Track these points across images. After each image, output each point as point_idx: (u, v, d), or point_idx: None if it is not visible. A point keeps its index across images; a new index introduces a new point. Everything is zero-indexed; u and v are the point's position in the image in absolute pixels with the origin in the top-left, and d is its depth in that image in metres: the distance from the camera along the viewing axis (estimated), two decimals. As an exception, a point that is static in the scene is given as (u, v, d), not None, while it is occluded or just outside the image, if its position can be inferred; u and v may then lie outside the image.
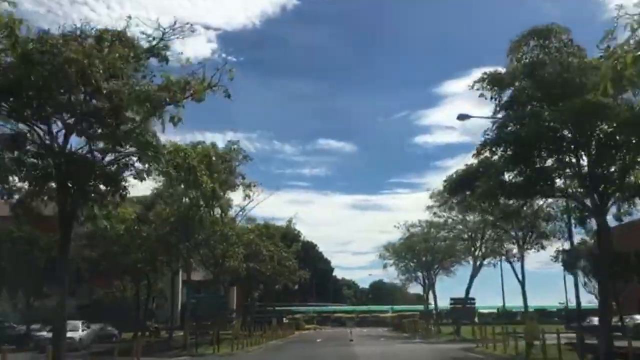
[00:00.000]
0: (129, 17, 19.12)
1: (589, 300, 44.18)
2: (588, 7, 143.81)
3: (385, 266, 65.50)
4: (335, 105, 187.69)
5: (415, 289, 66.01)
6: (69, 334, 24.29)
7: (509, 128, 23.35)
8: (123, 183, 19.29)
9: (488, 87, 24.96)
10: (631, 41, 10.14)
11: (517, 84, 23.88)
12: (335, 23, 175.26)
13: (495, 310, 77.11)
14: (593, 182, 22.79)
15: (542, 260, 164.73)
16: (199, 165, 20.12)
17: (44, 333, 32.56)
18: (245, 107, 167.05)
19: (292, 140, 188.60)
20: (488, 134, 23.98)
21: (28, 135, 18.81)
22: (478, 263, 50.73)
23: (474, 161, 25.85)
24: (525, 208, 29.15)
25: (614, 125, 21.21)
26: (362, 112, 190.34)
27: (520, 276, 46.10)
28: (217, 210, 40.41)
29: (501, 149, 23.26)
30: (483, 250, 50.24)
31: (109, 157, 20.03)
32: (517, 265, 47.63)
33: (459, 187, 27.11)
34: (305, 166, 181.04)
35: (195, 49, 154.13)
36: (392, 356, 30.14)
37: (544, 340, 24.86)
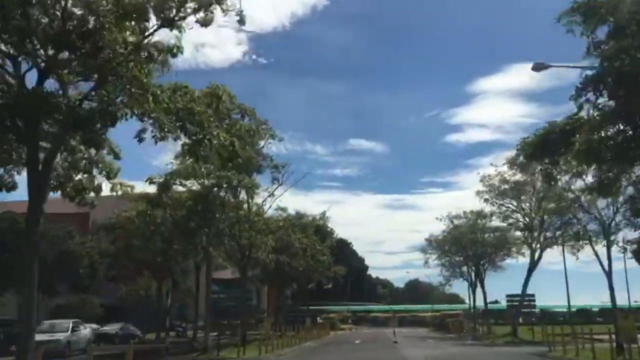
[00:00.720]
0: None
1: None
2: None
3: (426, 262, 59.64)
4: (365, 104, 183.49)
5: (458, 287, 59.74)
6: (53, 336, 19.56)
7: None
8: (102, 132, 14.05)
9: (578, 20, 19.06)
10: None
11: (623, 9, 17.89)
12: (365, 22, 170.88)
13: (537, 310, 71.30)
14: None
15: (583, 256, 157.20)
16: (204, 110, 14.78)
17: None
18: (276, 108, 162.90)
19: (323, 140, 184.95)
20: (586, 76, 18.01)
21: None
22: (537, 255, 44.50)
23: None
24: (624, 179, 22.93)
25: None
26: (393, 111, 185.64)
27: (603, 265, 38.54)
28: (242, 196, 35.55)
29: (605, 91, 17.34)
30: (542, 240, 44.01)
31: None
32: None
33: (545, 149, 20.96)
34: (337, 166, 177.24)
35: (226, 51, 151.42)
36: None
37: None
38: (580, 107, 17.77)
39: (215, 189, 29.52)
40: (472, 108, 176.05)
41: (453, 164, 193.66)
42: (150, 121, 15.12)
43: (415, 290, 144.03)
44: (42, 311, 48.11)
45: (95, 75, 14.17)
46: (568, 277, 39.05)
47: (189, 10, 13.96)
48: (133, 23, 13.19)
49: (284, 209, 46.89)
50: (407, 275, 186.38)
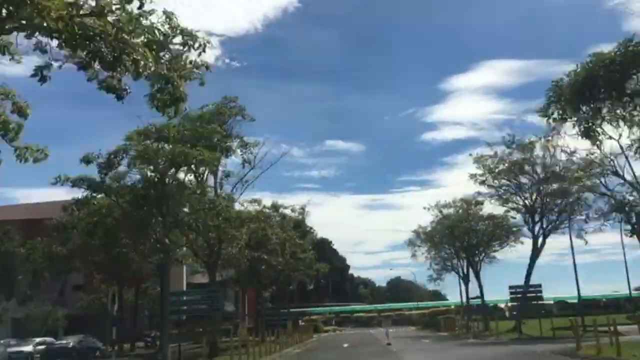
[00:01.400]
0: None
1: None
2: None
3: (414, 255, 54.62)
4: (341, 106, 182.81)
5: (449, 285, 54.74)
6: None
7: None
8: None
9: None
10: None
11: None
12: (337, 23, 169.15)
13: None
14: None
15: (558, 248, 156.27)
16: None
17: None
18: (251, 111, 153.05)
19: (299, 143, 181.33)
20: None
21: None
22: (539, 242, 39.65)
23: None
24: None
25: None
26: (369, 111, 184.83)
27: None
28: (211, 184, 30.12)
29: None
30: (545, 223, 39.23)
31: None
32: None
33: (585, 94, 15.79)
34: (314, 168, 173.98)
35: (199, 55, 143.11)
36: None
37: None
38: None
39: (172, 170, 24.10)
40: (446, 106, 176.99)
41: (430, 162, 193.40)
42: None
43: (398, 289, 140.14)
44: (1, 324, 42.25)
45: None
46: (568, 268, 34.46)
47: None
48: None
49: (258, 201, 41.51)
50: (387, 274, 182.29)
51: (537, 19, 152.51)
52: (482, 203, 46.79)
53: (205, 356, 24.52)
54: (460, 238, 46.63)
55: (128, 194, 23.45)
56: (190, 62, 12.08)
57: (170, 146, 23.84)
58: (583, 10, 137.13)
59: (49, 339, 38.83)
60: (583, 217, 36.32)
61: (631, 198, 28.68)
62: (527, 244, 44.68)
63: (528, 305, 37.31)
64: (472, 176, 40.86)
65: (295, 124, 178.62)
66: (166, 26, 9.80)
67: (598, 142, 21.21)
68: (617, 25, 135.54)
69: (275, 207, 41.71)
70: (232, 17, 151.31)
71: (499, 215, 45.56)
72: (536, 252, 39.63)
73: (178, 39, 10.18)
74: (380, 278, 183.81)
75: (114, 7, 9.83)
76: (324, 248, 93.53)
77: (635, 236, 30.31)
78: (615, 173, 28.75)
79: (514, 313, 42.61)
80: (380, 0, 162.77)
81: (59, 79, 10.89)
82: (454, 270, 52.86)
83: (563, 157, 37.26)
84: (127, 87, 11.05)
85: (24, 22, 9.55)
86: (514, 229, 44.52)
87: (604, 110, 17.08)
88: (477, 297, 51.66)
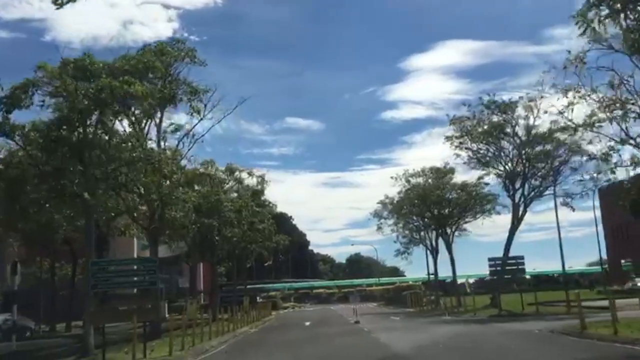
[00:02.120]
0: None
1: None
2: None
3: (380, 227, 50.40)
4: (301, 83, 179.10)
5: (416, 259, 51.12)
6: None
7: None
8: None
9: None
10: None
11: None
12: None
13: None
14: None
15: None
16: None
17: None
18: (210, 86, 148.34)
19: (259, 119, 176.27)
20: None
21: None
22: (520, 210, 35.74)
23: None
24: None
25: None
26: (329, 89, 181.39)
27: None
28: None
29: None
30: (526, 190, 35.31)
31: None
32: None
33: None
34: (274, 145, 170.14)
35: (155, 28, 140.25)
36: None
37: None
38: None
39: (98, 111, 18.90)
40: (406, 85, 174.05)
41: (389, 140, 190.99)
42: None
43: (357, 265, 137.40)
44: None
45: None
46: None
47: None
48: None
49: (210, 163, 36.37)
50: (345, 251, 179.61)
51: (496, 0, 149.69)
52: (453, 172, 42.91)
53: (140, 338, 19.68)
54: (431, 207, 42.56)
55: (41, 137, 18.18)
56: None
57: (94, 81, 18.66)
58: None
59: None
60: (570, 183, 32.54)
61: None
62: (497, 218, 41.46)
63: (510, 279, 33.53)
64: (449, 138, 36.65)
65: (254, 100, 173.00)
66: None
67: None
68: (573, 9, 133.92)
69: (230, 170, 36.65)
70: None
71: (471, 184, 41.71)
72: (516, 221, 35.76)
73: None
74: (339, 255, 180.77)
75: None
76: (283, 223, 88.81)
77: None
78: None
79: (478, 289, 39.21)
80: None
81: None
82: (422, 243, 49.02)
83: (546, 117, 33.50)
84: None
85: None
86: (488, 197, 40.72)
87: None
88: (432, 274, 48.40)
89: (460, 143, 35.59)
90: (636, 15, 12.72)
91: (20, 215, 22.69)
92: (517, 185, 35.34)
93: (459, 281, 66.15)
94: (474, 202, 41.08)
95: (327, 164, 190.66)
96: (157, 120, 26.89)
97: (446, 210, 42.41)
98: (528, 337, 18.84)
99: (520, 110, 34.72)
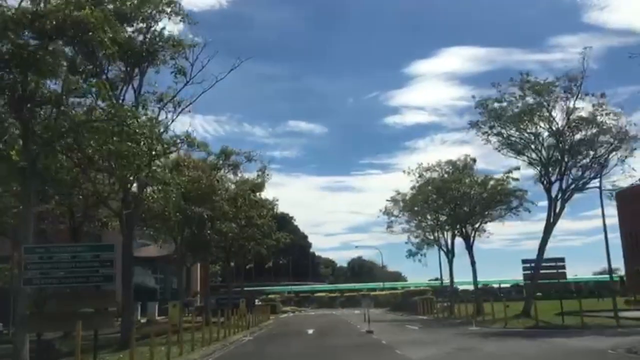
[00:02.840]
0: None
1: None
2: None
3: (390, 226, 45.32)
4: (305, 86, 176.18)
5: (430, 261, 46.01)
6: None
7: None
8: None
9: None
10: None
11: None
12: (304, 4, 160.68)
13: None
14: None
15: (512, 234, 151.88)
16: None
17: None
18: (214, 89, 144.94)
19: (262, 122, 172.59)
20: None
21: None
22: (559, 204, 30.54)
23: None
24: None
25: None
26: (332, 93, 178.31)
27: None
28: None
29: None
30: (564, 183, 30.14)
31: None
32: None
33: None
34: (276, 148, 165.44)
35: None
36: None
37: None
38: None
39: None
40: (409, 91, 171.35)
41: (391, 146, 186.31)
42: None
43: (359, 269, 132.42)
44: None
45: None
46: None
47: None
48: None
49: (204, 145, 31.23)
50: (346, 256, 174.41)
51: (502, 7, 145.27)
52: (474, 162, 37.86)
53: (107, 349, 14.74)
54: (450, 203, 37.41)
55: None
56: None
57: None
58: (546, 1, 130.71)
59: None
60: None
61: None
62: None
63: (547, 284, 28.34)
64: (474, 124, 31.59)
65: (258, 103, 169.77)
66: None
67: None
68: (578, 17, 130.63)
69: (225, 153, 31.54)
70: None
71: (497, 178, 36.61)
72: (553, 218, 30.57)
73: None
74: (340, 259, 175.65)
75: None
76: (284, 224, 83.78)
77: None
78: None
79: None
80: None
81: None
82: (436, 244, 43.85)
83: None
84: None
85: None
86: (516, 192, 35.60)
87: None
88: (435, 279, 43.49)
89: (491, 127, 30.48)
90: None
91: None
92: (554, 177, 30.17)
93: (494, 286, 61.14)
94: (500, 197, 35.84)
95: (329, 168, 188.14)
96: (135, 86, 21.82)
97: (466, 208, 37.19)
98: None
99: (558, 92, 29.71)
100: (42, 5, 13.65)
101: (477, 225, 37.89)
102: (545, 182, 30.56)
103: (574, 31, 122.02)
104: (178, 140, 19.54)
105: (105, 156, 18.02)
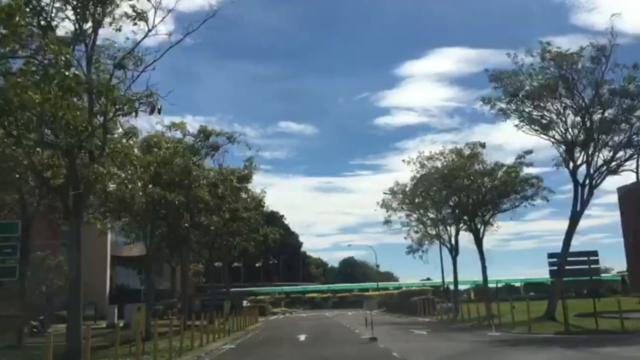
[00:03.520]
0: None
1: None
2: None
3: (387, 221, 41.19)
4: (295, 87, 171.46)
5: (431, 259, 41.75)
6: None
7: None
8: None
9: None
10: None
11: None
12: (294, 4, 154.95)
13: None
14: None
15: (501, 235, 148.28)
16: None
17: None
18: (204, 90, 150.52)
19: (252, 123, 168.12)
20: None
21: None
22: (587, 186, 26.27)
23: None
24: None
25: None
26: (323, 94, 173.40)
27: None
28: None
29: None
30: (593, 166, 25.90)
31: None
32: None
33: None
34: (267, 149, 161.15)
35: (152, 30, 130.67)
36: None
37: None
38: None
39: None
40: (399, 91, 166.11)
41: (382, 146, 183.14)
42: None
43: (351, 269, 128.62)
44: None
45: None
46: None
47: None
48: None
49: (180, 125, 26.87)
50: (337, 257, 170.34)
51: (490, 8, 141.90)
52: (484, 146, 33.78)
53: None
54: (457, 192, 33.22)
55: None
56: None
57: None
58: (534, 2, 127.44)
59: None
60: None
61: None
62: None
63: (582, 282, 24.10)
64: (487, 101, 27.43)
65: (248, 104, 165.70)
66: None
67: None
68: (565, 18, 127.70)
69: (204, 133, 27.07)
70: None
71: (509, 165, 32.47)
72: (580, 205, 26.35)
73: None
74: (331, 260, 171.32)
75: None
76: (274, 222, 79.25)
77: None
78: None
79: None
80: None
81: None
82: (439, 239, 39.68)
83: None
84: None
85: None
86: (531, 180, 31.49)
87: None
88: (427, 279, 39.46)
89: (509, 102, 26.30)
90: None
91: None
92: (580, 160, 26.01)
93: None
94: (514, 186, 31.68)
95: (319, 169, 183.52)
96: (89, 41, 17.35)
97: (475, 196, 32.96)
98: None
99: (585, 62, 25.62)
100: None
101: (487, 217, 33.63)
102: (570, 165, 26.35)
103: (563, 32, 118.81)
104: (135, 99, 14.98)
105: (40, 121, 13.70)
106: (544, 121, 26.20)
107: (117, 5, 16.51)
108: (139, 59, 16.96)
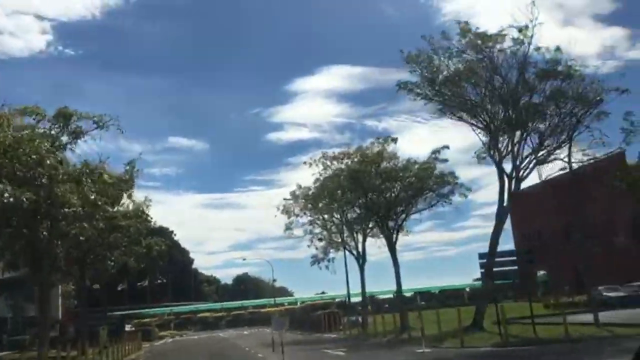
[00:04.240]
0: None
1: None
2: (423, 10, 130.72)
3: (289, 228, 37.00)
4: (185, 101, 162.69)
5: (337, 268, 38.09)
6: None
7: None
8: None
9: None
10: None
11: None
12: (183, 17, 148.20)
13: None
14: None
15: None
16: None
17: None
18: (88, 103, 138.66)
19: (140, 138, 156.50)
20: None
21: None
22: (513, 184, 23.53)
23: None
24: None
25: None
26: (214, 109, 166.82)
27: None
28: None
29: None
30: (523, 152, 23.21)
31: None
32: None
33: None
34: (155, 165, 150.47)
35: (27, 40, 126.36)
36: None
37: None
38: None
39: None
40: (291, 107, 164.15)
41: (274, 162, 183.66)
42: None
43: (245, 285, 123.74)
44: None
45: None
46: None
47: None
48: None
49: (34, 110, 20.95)
50: (230, 274, 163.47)
51: (376, 28, 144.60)
52: (395, 141, 30.66)
53: None
54: (367, 193, 29.62)
55: None
56: None
57: None
58: (418, 23, 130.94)
59: None
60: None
61: None
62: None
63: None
64: (403, 86, 24.11)
65: (136, 119, 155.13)
66: None
67: None
68: (448, 40, 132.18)
69: (63, 116, 21.22)
70: (67, 1, 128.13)
71: (423, 162, 29.45)
72: (507, 200, 23.58)
73: None
74: (225, 277, 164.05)
75: None
76: (163, 237, 72.36)
77: None
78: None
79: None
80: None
81: None
82: (344, 246, 36.03)
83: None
84: None
85: None
86: (446, 177, 28.65)
87: None
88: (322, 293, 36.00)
89: (430, 84, 23.06)
90: None
91: None
92: (506, 148, 23.27)
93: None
94: (430, 183, 28.61)
95: (211, 185, 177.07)
96: None
97: (388, 194, 29.51)
98: None
99: (508, 41, 23.09)
100: None
101: (401, 220, 30.21)
102: (494, 155, 23.54)
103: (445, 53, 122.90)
104: None
105: None
106: (467, 105, 23.23)
107: None
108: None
